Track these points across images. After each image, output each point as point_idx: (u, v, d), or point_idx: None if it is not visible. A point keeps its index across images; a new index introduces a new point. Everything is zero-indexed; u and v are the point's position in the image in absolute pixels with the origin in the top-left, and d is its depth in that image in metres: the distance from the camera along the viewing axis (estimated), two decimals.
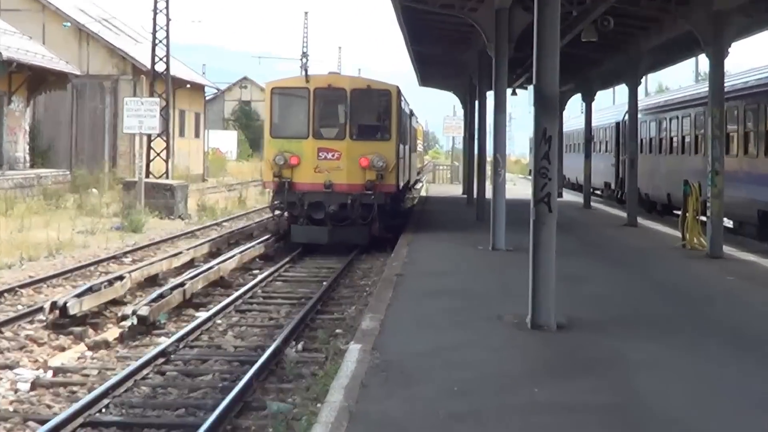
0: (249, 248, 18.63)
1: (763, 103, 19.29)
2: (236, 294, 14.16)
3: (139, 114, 27.00)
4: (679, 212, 19.29)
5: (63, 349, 10.97)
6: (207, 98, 63.54)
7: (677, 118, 26.14)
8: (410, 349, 8.35)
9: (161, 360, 10.00)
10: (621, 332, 9.18)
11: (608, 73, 28.09)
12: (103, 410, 8.22)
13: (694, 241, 17.41)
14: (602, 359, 8.02)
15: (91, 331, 11.73)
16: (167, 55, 35.12)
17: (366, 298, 13.94)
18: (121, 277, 14.01)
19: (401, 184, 23.44)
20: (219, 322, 12.40)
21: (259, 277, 16.00)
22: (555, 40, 9.41)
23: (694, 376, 7.54)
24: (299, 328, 11.85)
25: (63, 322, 11.72)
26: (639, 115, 24.54)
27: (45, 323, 11.74)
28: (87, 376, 9.59)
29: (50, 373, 9.74)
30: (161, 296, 12.76)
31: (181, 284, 13.68)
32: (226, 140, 77.10)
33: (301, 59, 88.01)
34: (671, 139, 26.60)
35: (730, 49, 16.15)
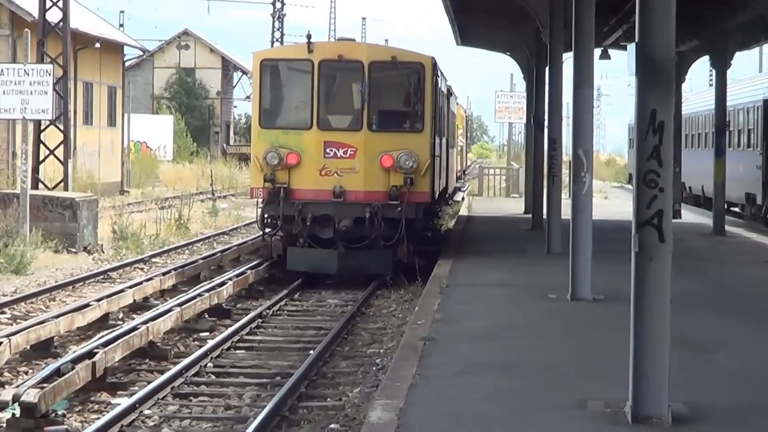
0: (192, 299, 18.66)
1: None
2: (174, 369, 14.15)
3: (22, 89, 27.11)
4: None
5: None
6: (128, 64, 63.97)
7: None
8: None
9: None
10: None
11: (753, 22, 28.02)
12: None
13: None
14: None
15: None
16: None
17: (376, 373, 13.90)
18: None
19: (437, 191, 24.24)
20: (148, 413, 12.39)
21: (211, 343, 16.00)
22: None
23: None
24: (271, 423, 11.85)
25: None
26: None
27: None
28: None
29: None
30: (58, 373, 12.76)
31: (89, 354, 13.68)
32: (157, 130, 77.33)
33: (274, 4, 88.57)
34: None
35: None
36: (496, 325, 14.60)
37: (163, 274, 22.09)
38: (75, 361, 13.31)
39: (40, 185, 31.72)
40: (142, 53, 64.25)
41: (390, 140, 21.48)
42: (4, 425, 11.51)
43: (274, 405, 12.29)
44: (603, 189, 51.49)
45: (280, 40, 66.95)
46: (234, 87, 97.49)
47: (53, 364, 13.19)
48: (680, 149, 38.35)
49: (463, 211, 39.27)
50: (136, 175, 56.04)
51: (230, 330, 17.14)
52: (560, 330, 14.29)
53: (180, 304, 17.97)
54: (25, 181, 27.54)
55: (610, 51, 35.76)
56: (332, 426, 11.76)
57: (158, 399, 12.98)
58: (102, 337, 15.23)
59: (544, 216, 25.29)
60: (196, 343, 16.82)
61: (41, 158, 32.79)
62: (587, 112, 17.15)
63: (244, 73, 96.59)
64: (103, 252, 27.42)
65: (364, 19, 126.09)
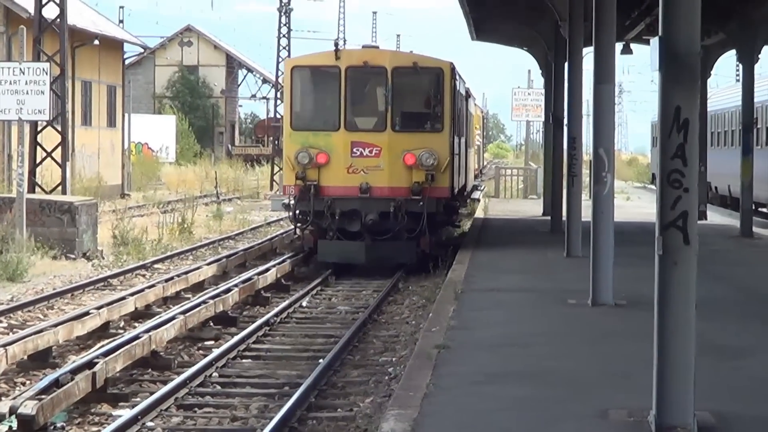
0: (198, 306, 18.68)
1: None
2: (178, 379, 14.17)
3: (18, 89, 27.16)
4: None
5: None
6: (128, 62, 64.05)
7: None
8: None
9: None
10: None
11: None
12: None
13: None
14: None
15: None
16: None
17: (388, 383, 13.91)
18: None
19: (456, 187, 26.88)
20: (150, 425, 12.40)
21: (216, 352, 16.02)
22: None
23: None
24: None
25: None
26: None
27: None
28: None
29: None
30: (57, 384, 12.78)
31: (89, 364, 13.70)
32: (159, 130, 77.47)
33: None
34: None
35: None
36: (514, 332, 14.61)
37: (167, 280, 22.10)
38: (74, 371, 13.33)
39: (38, 189, 31.75)
40: (142, 50, 64.43)
41: (412, 140, 24.25)
42: None
43: (282, 416, 12.29)
44: (625, 189, 51.39)
45: (287, 35, 67.05)
46: (239, 85, 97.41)
47: (52, 375, 13.22)
48: (706, 148, 38.21)
49: (479, 213, 39.28)
50: (138, 177, 56.00)
51: (236, 338, 17.16)
52: (580, 337, 14.29)
53: (184, 312, 18.00)
54: (22, 184, 27.48)
55: (632, 45, 35.70)
56: None
57: (161, 410, 12.99)
58: (102, 346, 15.25)
59: (564, 218, 25.32)
60: (201, 352, 16.82)
61: (38, 161, 32.76)
62: (608, 109, 17.14)
63: (250, 70, 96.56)
64: (103, 258, 27.43)
65: (374, 13, 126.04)
